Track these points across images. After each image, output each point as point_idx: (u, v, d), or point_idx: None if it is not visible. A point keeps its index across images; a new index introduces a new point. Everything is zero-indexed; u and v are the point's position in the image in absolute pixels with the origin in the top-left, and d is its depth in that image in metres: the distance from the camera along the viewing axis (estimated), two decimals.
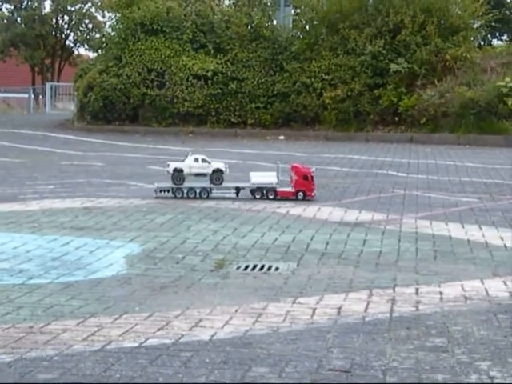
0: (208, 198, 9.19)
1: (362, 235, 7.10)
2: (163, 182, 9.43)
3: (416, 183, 10.98)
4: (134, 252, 6.30)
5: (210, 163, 9.28)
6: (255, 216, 8.12)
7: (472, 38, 21.65)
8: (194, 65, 21.06)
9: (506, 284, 5.31)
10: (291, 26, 22.13)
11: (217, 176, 9.22)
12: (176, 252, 6.28)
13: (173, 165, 9.30)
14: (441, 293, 5.08)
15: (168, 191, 9.28)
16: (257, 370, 3.61)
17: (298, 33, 21.67)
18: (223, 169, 9.26)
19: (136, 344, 3.96)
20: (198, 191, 9.23)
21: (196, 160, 9.30)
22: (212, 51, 21.33)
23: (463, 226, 7.56)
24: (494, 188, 10.45)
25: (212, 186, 9.25)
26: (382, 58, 19.79)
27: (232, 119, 21.12)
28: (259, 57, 21.14)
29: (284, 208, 8.63)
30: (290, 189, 9.27)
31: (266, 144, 18.32)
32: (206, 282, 5.33)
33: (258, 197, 9.22)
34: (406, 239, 6.93)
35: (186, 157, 9.41)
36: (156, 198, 9.20)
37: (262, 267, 5.84)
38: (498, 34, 29.60)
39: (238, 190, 9.35)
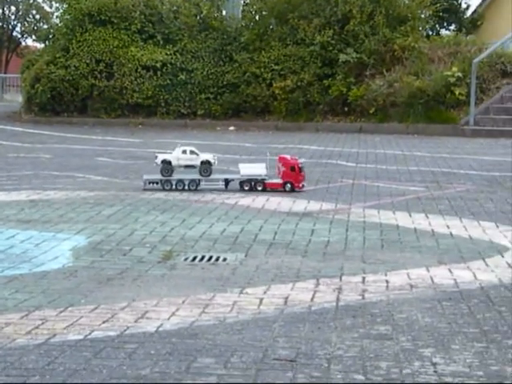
0: (197, 189, 9.12)
1: (311, 225, 7.13)
2: (152, 174, 9.40)
3: (365, 173, 11.04)
4: (80, 244, 6.24)
5: (198, 155, 9.21)
6: (204, 207, 8.10)
7: (420, 28, 21.79)
8: (142, 55, 20.92)
9: (450, 271, 5.37)
10: (240, 16, 22.07)
11: (205, 168, 9.16)
12: (123, 244, 6.24)
13: (161, 156, 9.26)
14: (387, 281, 5.12)
15: (157, 183, 9.23)
16: (202, 360, 3.61)
17: (248, 23, 21.61)
18: (212, 160, 9.18)
19: (81, 337, 3.92)
20: (186, 183, 9.17)
21: (184, 152, 9.23)
22: (161, 42, 21.20)
23: (410, 215, 7.62)
24: (441, 177, 10.55)
25: (201, 177, 9.17)
26: (331, 48, 19.85)
27: (182, 110, 21.04)
28: (208, 47, 21.07)
29: (233, 199, 8.63)
30: (278, 180, 9.19)
31: (216, 135, 18.29)
32: (153, 274, 5.31)
33: (246, 188, 9.16)
34: (353, 228, 6.97)
35: (175, 149, 9.35)
36: (144, 189, 9.14)
37: (210, 258, 5.83)
38: (445, 24, 29.83)
39: (226, 181, 9.27)
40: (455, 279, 5.16)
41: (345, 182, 10.02)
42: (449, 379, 3.39)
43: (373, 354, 3.71)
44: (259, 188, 9.15)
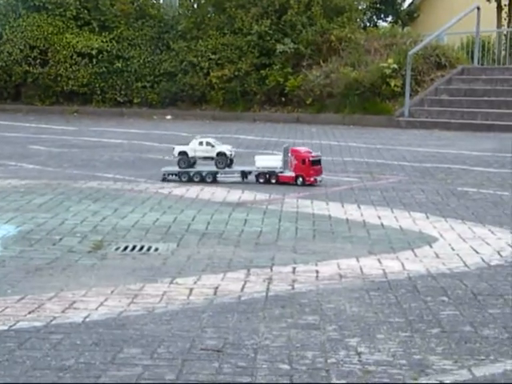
0: (214, 182, 9.00)
1: (244, 215, 7.14)
2: (169, 166, 9.34)
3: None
4: (9, 234, 6.16)
5: (213, 146, 9.07)
6: (137, 196, 8.05)
7: (357, 20, 21.94)
8: (78, 42, 20.68)
9: (380, 262, 5.43)
10: (178, 4, 21.95)
11: (220, 160, 9.03)
12: (53, 233, 6.17)
13: (178, 148, 9.17)
14: (317, 271, 5.15)
15: (175, 175, 9.13)
16: (128, 351, 3.59)
17: (185, 11, 21.49)
18: (227, 152, 9.04)
19: (5, 327, 3.87)
20: (204, 174, 9.06)
21: (200, 143, 9.10)
22: (97, 29, 20.98)
23: (343, 206, 7.68)
24: (374, 168, 10.65)
25: (218, 170, 9.06)
26: (268, 38, 19.86)
27: (118, 98, 20.87)
28: (145, 35, 20.92)
29: (167, 188, 8.59)
30: (290, 174, 8.94)
31: (153, 123, 18.19)
32: (82, 264, 5.26)
33: (261, 181, 8.96)
34: (286, 219, 7.00)
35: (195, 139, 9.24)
36: (162, 181, 9.06)
37: (142, 248, 5.80)
38: (382, 16, 30.09)
39: (243, 174, 9.10)
40: (384, 269, 5.21)
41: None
42: (372, 368, 3.43)
43: (299, 343, 3.74)
44: (273, 181, 8.93)
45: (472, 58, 19.48)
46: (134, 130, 16.23)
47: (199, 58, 20.30)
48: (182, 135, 15.17)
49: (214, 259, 5.46)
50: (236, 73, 19.88)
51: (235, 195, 8.22)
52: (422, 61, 18.59)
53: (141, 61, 20.75)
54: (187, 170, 9.11)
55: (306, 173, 8.85)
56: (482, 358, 3.57)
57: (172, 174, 9.19)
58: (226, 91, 19.98)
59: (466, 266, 5.34)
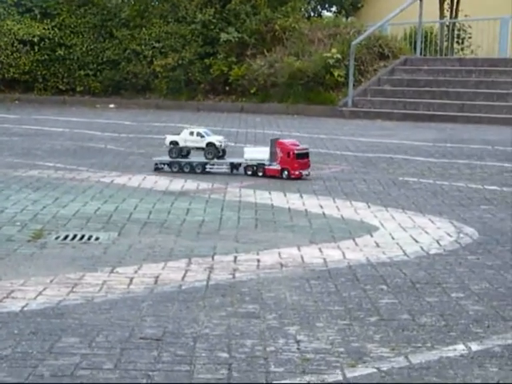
0: (203, 172, 8.87)
1: (186, 204, 7.13)
2: (162, 156, 9.21)
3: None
4: None
5: (203, 137, 8.94)
6: (78, 185, 7.98)
7: (301, 9, 21.98)
8: (19, 29, 20.36)
9: (321, 251, 5.47)
10: None
11: (208, 150, 8.91)
12: None
13: (169, 138, 9.08)
14: (258, 260, 5.17)
15: (167, 165, 9.02)
16: (67, 340, 3.57)
17: None
18: (217, 143, 8.91)
19: None
20: (194, 165, 8.94)
21: (191, 133, 9.00)
22: (38, 16, 20.68)
23: (285, 195, 7.71)
24: (317, 157, 10.68)
25: (208, 160, 8.93)
26: (212, 26, 19.80)
27: (60, 86, 20.63)
28: (88, 23, 20.70)
29: (109, 177, 8.53)
30: (276, 167, 8.72)
31: (96, 112, 18.03)
32: (22, 253, 5.21)
33: (249, 173, 8.78)
34: (229, 208, 7.00)
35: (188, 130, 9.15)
36: (155, 170, 8.97)
37: (82, 237, 5.76)
38: (327, 6, 30.17)
39: (232, 165, 8.94)
40: (325, 258, 5.25)
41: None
42: (311, 356, 3.45)
43: (239, 332, 3.75)
44: (260, 174, 8.74)
45: (415, 48, 19.66)
46: (76, 119, 16.07)
47: (143, 47, 20.16)
48: (125, 124, 15.08)
49: (155, 248, 5.44)
50: (180, 61, 19.79)
51: (178, 184, 8.20)
52: (365, 51, 18.71)
53: (83, 49, 20.53)
54: (178, 161, 9.01)
55: (290, 166, 8.63)
56: (419, 345, 3.62)
57: (164, 164, 9.10)
58: (170, 80, 19.88)
59: (405, 254, 5.40)
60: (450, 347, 3.59)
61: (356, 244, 5.70)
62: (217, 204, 7.19)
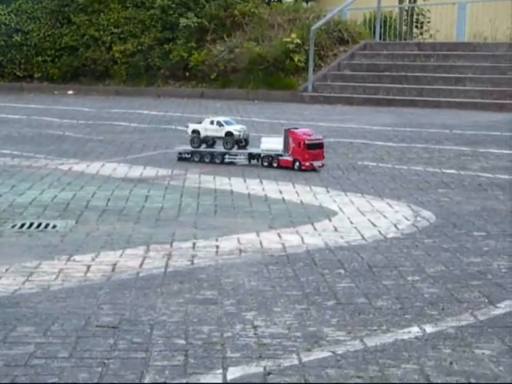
0: (222, 163, 8.70)
1: (145, 191, 7.09)
2: (184, 145, 9.09)
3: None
4: None
5: (222, 126, 8.77)
6: (36, 173, 7.91)
7: None
8: None
9: (279, 236, 5.47)
10: None
11: (226, 140, 8.77)
12: None
13: (191, 126, 8.94)
14: (217, 246, 5.17)
15: (189, 154, 8.91)
16: (21, 329, 3.54)
17: None
18: (235, 133, 8.71)
19: None
20: (214, 155, 8.80)
21: (211, 122, 8.84)
22: None
23: (245, 181, 7.71)
24: None
25: (227, 151, 8.77)
26: (171, 12, 19.69)
27: (17, 73, 20.42)
28: (45, 8, 20.48)
29: (67, 165, 8.47)
30: (289, 158, 8.45)
31: (54, 99, 17.87)
32: None
33: (265, 164, 8.53)
34: (188, 194, 6.98)
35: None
36: (178, 160, 8.87)
37: (39, 225, 5.71)
38: None
39: (250, 156, 8.74)
40: (283, 243, 5.26)
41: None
42: (267, 340, 3.46)
43: (196, 318, 3.74)
44: (274, 165, 8.49)
45: (374, 33, 19.71)
46: (33, 106, 15.92)
47: (101, 32, 20.01)
48: (84, 110, 14.97)
49: (113, 236, 5.41)
50: (139, 47, 19.67)
51: (137, 171, 8.16)
52: (324, 36, 18.72)
53: (41, 34, 20.32)
54: (199, 150, 8.90)
55: (301, 157, 8.33)
56: (375, 328, 3.64)
57: (187, 153, 8.99)
58: (129, 66, 19.76)
59: (363, 238, 5.43)
60: (405, 330, 3.62)
61: (315, 229, 5.72)
62: (176, 190, 7.16)
